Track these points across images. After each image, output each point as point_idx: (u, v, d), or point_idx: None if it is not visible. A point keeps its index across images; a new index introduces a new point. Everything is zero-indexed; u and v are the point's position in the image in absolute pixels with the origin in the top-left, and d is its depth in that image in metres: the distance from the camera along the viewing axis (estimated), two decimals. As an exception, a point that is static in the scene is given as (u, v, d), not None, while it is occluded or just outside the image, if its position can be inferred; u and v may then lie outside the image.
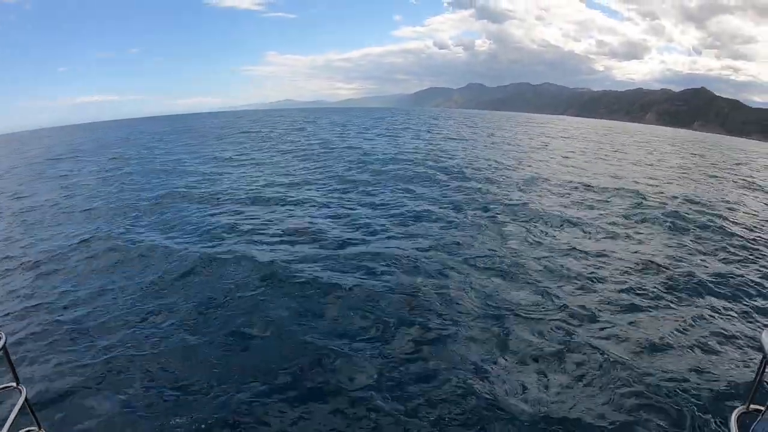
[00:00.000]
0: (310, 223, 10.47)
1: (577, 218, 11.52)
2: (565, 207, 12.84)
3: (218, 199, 13.39)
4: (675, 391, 4.61)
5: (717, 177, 22.80)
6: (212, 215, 11.47)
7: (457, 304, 6.46)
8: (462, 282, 7.27)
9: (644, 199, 14.53)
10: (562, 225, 10.87)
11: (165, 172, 19.58)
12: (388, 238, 9.42)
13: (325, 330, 5.73)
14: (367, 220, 10.71)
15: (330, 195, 13.70)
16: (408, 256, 8.23)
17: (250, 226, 10.28)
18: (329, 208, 12.05)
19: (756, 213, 14.33)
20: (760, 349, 1.25)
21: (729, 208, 14.50)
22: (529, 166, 20.93)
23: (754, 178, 23.77)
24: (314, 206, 12.23)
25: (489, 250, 8.86)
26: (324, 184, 15.35)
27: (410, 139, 32.70)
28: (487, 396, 4.54)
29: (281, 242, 9.14)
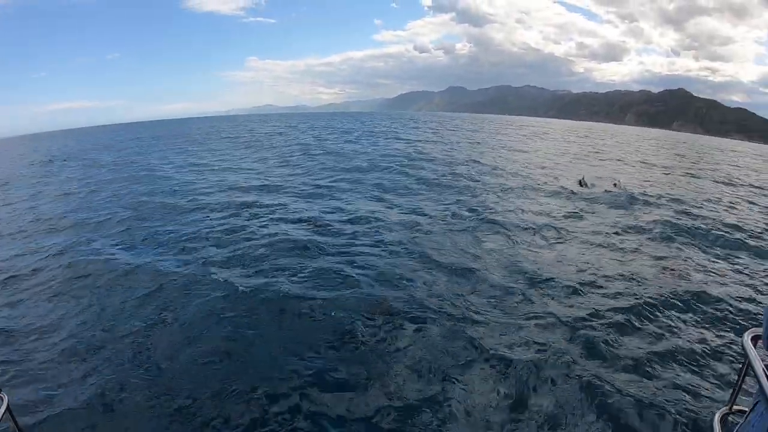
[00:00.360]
0: (284, 231, 10.20)
1: (557, 221, 11.48)
2: (542, 211, 12.76)
3: (192, 207, 13.01)
4: (658, 392, 4.60)
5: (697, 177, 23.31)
6: (183, 225, 11.05)
7: (431, 307, 6.38)
8: (435, 287, 7.15)
9: (632, 199, 14.59)
10: (539, 229, 10.76)
11: (136, 179, 19.17)
12: (366, 245, 9.17)
13: (292, 349, 5.44)
14: (343, 227, 10.48)
15: (305, 201, 13.48)
16: (384, 264, 8.09)
17: (220, 236, 9.96)
18: (304, 213, 11.82)
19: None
20: (742, 350, 1.28)
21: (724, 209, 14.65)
22: (506, 168, 20.93)
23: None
24: (289, 212, 12.03)
25: (467, 255, 8.75)
26: (299, 191, 15.07)
27: (389, 142, 32.70)
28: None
29: (252, 254, 8.79)
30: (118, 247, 9.64)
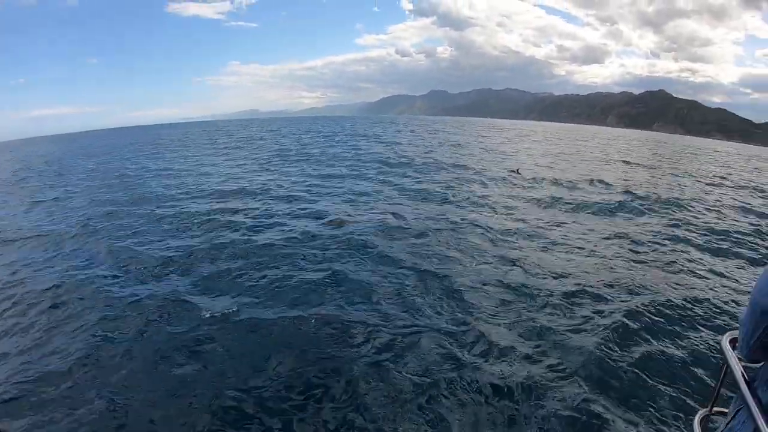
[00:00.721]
0: (258, 239, 9.76)
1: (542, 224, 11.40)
2: (527, 213, 12.60)
3: (165, 215, 12.35)
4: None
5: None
6: (152, 241, 10.17)
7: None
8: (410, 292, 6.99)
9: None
10: (518, 232, 10.57)
11: (109, 187, 18.39)
12: (342, 260, 8.58)
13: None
14: (320, 232, 10.13)
15: (282, 206, 13.10)
16: (359, 271, 7.82)
17: (193, 247, 9.40)
18: (281, 219, 11.44)
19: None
20: (721, 353, 1.30)
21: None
22: (491, 170, 20.57)
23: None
24: (265, 217, 11.70)
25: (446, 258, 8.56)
26: (272, 200, 14.40)
27: (369, 145, 32.49)
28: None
29: (217, 269, 8.16)
30: (79, 261, 9.05)
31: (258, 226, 10.88)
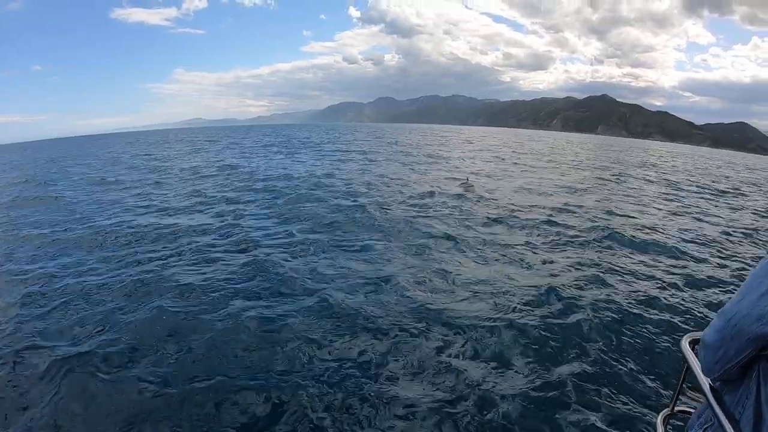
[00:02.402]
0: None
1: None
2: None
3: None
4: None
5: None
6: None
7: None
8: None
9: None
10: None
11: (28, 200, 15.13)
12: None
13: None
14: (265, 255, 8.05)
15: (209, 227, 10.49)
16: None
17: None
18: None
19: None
20: (681, 354, 1.37)
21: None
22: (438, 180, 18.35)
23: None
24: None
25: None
26: (204, 220, 11.41)
27: (311, 159, 29.10)
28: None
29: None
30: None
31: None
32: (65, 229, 10.65)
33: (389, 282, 6.84)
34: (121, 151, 41.60)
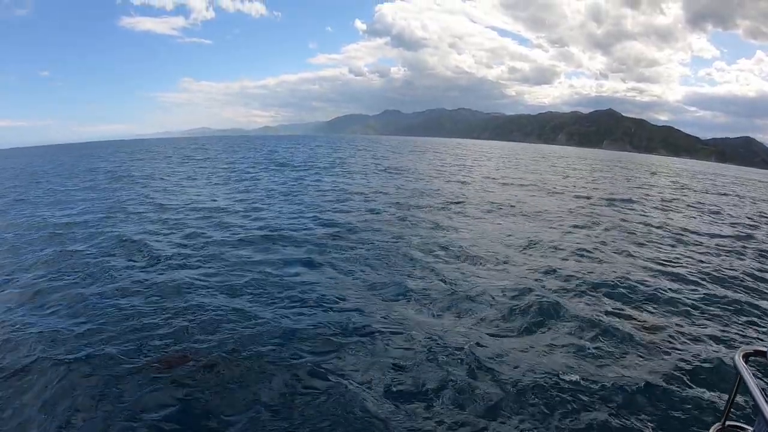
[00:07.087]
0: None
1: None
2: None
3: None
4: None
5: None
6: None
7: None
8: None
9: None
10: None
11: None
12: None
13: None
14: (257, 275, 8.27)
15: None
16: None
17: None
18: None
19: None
20: (734, 368, 1.33)
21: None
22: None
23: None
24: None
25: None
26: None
27: (316, 174, 27.56)
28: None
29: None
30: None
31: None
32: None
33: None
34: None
